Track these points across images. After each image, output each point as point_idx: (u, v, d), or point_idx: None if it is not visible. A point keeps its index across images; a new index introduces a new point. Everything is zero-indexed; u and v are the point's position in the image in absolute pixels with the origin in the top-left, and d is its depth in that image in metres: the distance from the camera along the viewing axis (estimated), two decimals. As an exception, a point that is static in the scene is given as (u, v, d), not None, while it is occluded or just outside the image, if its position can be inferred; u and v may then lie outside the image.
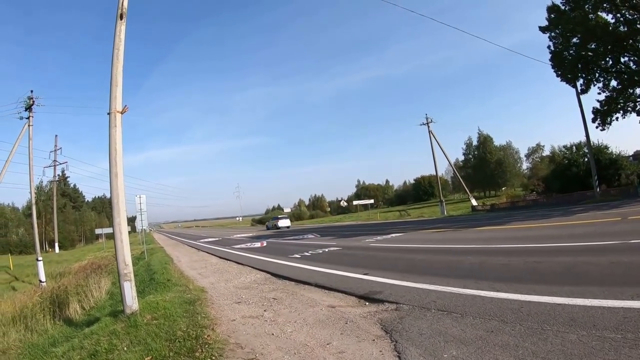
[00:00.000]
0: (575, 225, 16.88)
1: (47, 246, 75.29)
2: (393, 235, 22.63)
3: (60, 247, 70.23)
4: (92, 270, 29.19)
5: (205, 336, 6.30)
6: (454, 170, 64.91)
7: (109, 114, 8.82)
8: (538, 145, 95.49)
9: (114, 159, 8.64)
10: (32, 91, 30.53)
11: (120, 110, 8.93)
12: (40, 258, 27.79)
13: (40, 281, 26.80)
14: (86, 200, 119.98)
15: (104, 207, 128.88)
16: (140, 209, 26.31)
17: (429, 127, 52.27)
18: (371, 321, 6.35)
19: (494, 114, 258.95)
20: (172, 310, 8.32)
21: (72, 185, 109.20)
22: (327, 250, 18.27)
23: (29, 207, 74.66)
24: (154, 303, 9.09)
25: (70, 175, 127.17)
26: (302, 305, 8.04)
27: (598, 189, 34.93)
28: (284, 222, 65.93)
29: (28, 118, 30.02)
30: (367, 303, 7.66)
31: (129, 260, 8.58)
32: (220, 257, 21.25)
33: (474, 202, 51.04)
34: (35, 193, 78.29)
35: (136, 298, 8.50)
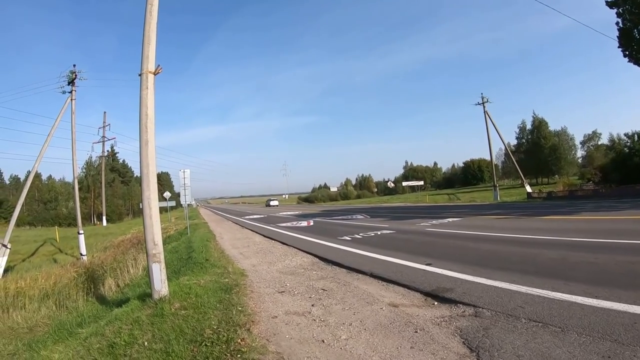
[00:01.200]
0: None
1: (95, 219, 77.76)
2: (449, 219, 21.21)
3: (108, 221, 71.11)
4: (132, 245, 29.20)
5: (239, 340, 5.16)
6: (509, 154, 61.66)
7: (140, 75, 7.92)
8: (594, 132, 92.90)
9: (144, 124, 7.79)
10: (74, 65, 30.56)
11: (153, 70, 8.00)
12: (81, 231, 27.94)
13: (81, 254, 26.95)
14: (135, 175, 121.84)
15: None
16: (184, 184, 25.66)
17: (484, 107, 49.75)
18: (447, 331, 5.14)
19: (548, 98, 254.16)
20: (205, 298, 7.33)
21: (121, 161, 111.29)
22: (379, 233, 17.05)
23: (79, 181, 75.91)
24: (187, 288, 8.14)
25: (120, 151, 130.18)
26: (357, 301, 6.76)
27: (666, 181, 32.40)
28: (274, 202, 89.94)
29: (71, 92, 29.83)
30: (435, 303, 6.41)
31: (158, 239, 7.70)
32: (265, 236, 20.28)
33: (528, 189, 48.61)
34: (85, 168, 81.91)
35: (165, 282, 7.64)
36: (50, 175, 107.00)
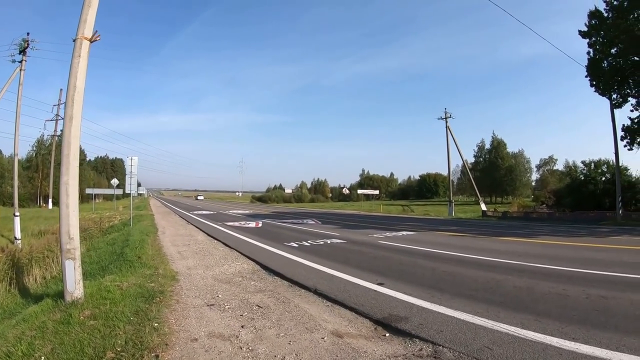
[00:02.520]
0: (619, 250, 14.51)
1: (41, 201, 74.85)
2: (404, 233, 20.48)
3: (54, 204, 67.02)
4: None
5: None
6: (467, 171, 62.13)
7: (74, 40, 7.13)
8: (551, 157, 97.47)
9: (71, 97, 6.96)
10: (28, 34, 28.62)
11: (90, 37, 7.24)
12: (17, 213, 26.20)
13: (16, 238, 25.15)
14: (88, 159, 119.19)
15: (105, 168, 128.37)
16: (131, 172, 24.65)
17: (446, 121, 49.53)
18: (402, 378, 4.13)
19: (508, 120, 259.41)
20: (121, 307, 6.36)
21: None
22: (329, 242, 16.22)
23: (28, 159, 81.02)
24: (105, 291, 7.30)
25: None
26: (295, 326, 5.72)
27: (620, 211, 32.72)
28: (200, 197, 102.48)
29: (21, 62, 27.97)
30: (387, 334, 5.42)
31: (75, 232, 6.86)
32: (209, 235, 19.33)
33: (483, 207, 48.43)
34: (36, 146, 78.12)
35: (80, 283, 6.83)
36: (0, 151, 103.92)
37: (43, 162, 78.05)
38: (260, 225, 25.57)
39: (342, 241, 16.49)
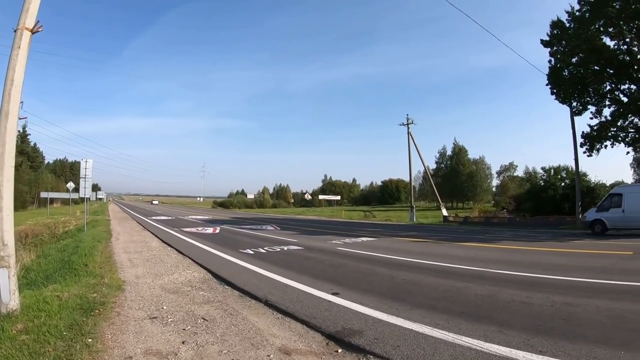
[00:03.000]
0: (582, 255, 14.47)
1: None
2: (364, 239, 20.20)
3: None
4: (19, 239, 26.56)
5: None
6: (428, 177, 62.68)
7: (15, 30, 6.70)
8: (511, 164, 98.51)
9: (8, 91, 6.53)
10: None
11: (32, 27, 6.77)
12: None
13: None
14: (47, 162, 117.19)
15: (64, 171, 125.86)
16: (85, 175, 23.68)
17: (408, 128, 49.94)
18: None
19: (470, 127, 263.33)
20: (56, 320, 5.88)
21: (32, 144, 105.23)
22: (286, 248, 15.83)
23: None
24: (43, 302, 6.78)
25: (32, 133, 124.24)
26: (240, 341, 5.25)
27: (580, 216, 33.22)
28: (155, 202, 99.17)
29: None
30: (339, 350, 4.99)
31: (9, 238, 6.33)
32: (163, 241, 18.68)
33: (444, 212, 48.70)
34: None
35: (16, 293, 6.33)
36: None
37: None
38: (217, 231, 25.10)
39: (299, 248, 16.13)
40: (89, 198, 26.31)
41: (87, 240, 17.55)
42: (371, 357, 4.71)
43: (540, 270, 10.45)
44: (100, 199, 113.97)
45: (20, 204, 73.97)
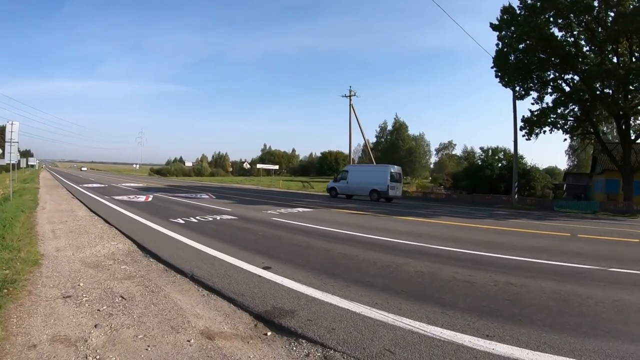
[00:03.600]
0: (521, 234, 14.54)
1: None
2: (300, 209, 19.95)
3: None
4: None
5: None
6: (368, 150, 62.68)
7: None
8: (450, 142, 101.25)
9: None
10: None
11: None
12: None
13: None
14: None
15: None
16: (11, 139, 22.34)
17: (350, 99, 50.39)
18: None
19: (410, 104, 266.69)
20: None
21: None
22: (218, 218, 15.30)
23: None
24: None
25: None
26: (159, 324, 4.74)
27: (516, 196, 34.43)
28: (84, 169, 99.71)
29: None
30: (269, 333, 4.55)
31: None
32: (91, 210, 17.78)
33: (382, 186, 48.98)
34: None
35: None
36: None
37: None
38: (150, 199, 24.22)
39: (233, 217, 15.62)
40: (19, 164, 25.01)
41: (9, 210, 16.62)
42: (303, 342, 4.27)
43: (481, 248, 10.29)
44: (32, 165, 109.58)
45: None
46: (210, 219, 14.90)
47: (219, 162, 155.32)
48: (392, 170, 33.35)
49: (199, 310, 5.24)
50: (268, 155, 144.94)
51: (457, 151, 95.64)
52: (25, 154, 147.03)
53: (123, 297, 5.75)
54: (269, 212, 18.18)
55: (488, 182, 43.78)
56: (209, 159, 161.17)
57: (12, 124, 22.64)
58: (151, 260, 8.30)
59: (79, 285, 6.42)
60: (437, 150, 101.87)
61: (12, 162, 24.13)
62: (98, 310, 5.23)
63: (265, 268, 7.34)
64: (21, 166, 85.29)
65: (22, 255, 8.30)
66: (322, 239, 11.12)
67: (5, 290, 5.90)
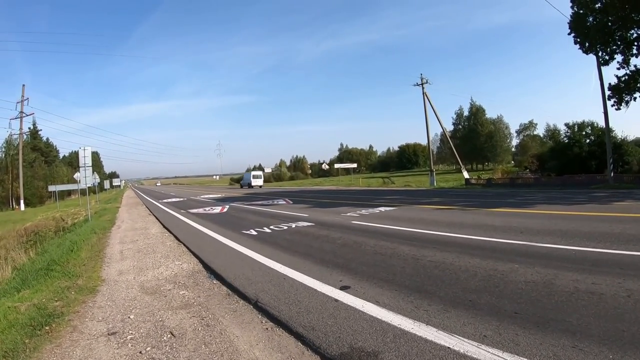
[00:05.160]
0: (637, 220, 11.83)
1: (13, 203, 73.06)
2: (382, 209, 18.24)
3: (27, 204, 67.37)
4: (26, 234, 25.93)
5: None
6: (447, 138, 60.15)
7: None
8: (530, 122, 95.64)
9: None
10: None
11: None
12: None
13: None
14: (62, 155, 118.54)
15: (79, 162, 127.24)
16: (85, 164, 22.64)
17: (423, 88, 47.51)
18: None
19: (487, 88, 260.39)
20: None
21: (44, 139, 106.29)
22: (294, 226, 14.11)
23: None
24: None
25: (46, 129, 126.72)
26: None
27: (612, 174, 31.21)
28: (158, 184, 79.71)
29: None
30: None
31: None
32: (164, 226, 17.31)
33: (466, 175, 46.33)
34: (4, 147, 77.23)
35: None
36: None
37: (12, 162, 75.90)
38: (225, 210, 23.63)
39: (309, 224, 14.40)
40: (103, 186, 25.45)
41: (82, 233, 16.52)
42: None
43: (595, 243, 8.34)
44: (116, 186, 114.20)
45: (37, 199, 75.69)
46: (285, 227, 13.86)
47: (298, 166, 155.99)
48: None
49: (258, 353, 4.15)
50: (346, 154, 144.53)
51: (539, 131, 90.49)
52: (111, 175, 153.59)
53: (172, 334, 4.81)
54: (348, 214, 16.87)
55: (577, 161, 40.85)
56: (288, 163, 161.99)
57: (84, 149, 23.16)
58: (214, 282, 7.40)
59: (129, 317, 5.70)
60: (518, 132, 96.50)
61: (87, 185, 24.48)
62: (140, 352, 4.38)
63: (343, 288, 6.14)
64: (105, 187, 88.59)
65: (79, 283, 7.97)
66: (408, 244, 9.61)
67: (47, 328, 5.37)
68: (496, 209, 16.41)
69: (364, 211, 17.55)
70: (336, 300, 5.58)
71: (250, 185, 74.10)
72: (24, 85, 67.24)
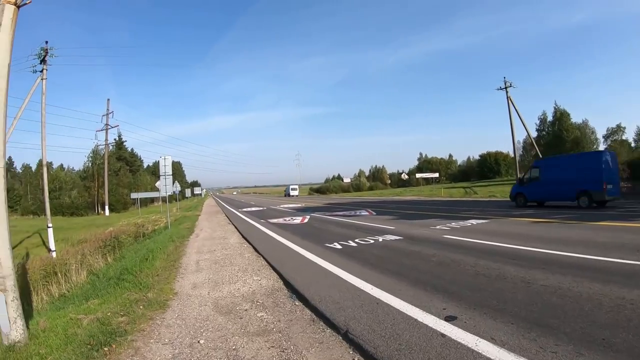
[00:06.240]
0: None
1: (99, 208, 78.43)
2: (473, 222, 16.77)
3: (112, 210, 71.67)
4: (109, 238, 26.36)
5: None
6: (534, 145, 56.66)
7: None
8: (618, 126, 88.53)
9: None
10: (47, 42, 28.51)
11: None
12: (50, 225, 25.52)
13: (49, 250, 24.43)
14: (147, 165, 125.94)
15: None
16: (165, 172, 23.01)
17: (507, 91, 45.70)
18: None
19: (567, 91, 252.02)
20: None
21: (129, 150, 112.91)
22: (381, 239, 13.07)
23: (85, 170, 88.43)
24: (53, 332, 5.75)
25: (130, 140, 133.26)
26: None
27: None
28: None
29: (42, 71, 27.39)
30: None
31: (5, 255, 5.38)
32: (243, 236, 16.85)
33: (554, 184, 43.44)
34: (91, 156, 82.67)
35: (19, 321, 5.39)
36: (62, 165, 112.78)
37: (98, 171, 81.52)
38: (306, 220, 22.87)
39: (397, 238, 13.27)
40: (184, 194, 25.76)
41: (160, 241, 16.40)
42: None
43: None
44: (197, 194, 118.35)
45: (121, 205, 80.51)
46: (372, 241, 12.88)
47: (377, 176, 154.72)
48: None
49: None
50: (425, 164, 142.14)
51: (628, 135, 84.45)
52: (193, 184, 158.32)
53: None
54: (437, 227, 15.54)
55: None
56: (367, 173, 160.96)
57: (164, 158, 23.67)
58: (297, 303, 6.60)
59: (198, 342, 5.13)
60: (605, 137, 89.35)
61: (167, 193, 24.75)
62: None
63: (448, 319, 5.14)
64: (187, 195, 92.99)
65: (149, 296, 7.51)
66: (513, 263, 8.37)
67: (106, 349, 4.95)
68: (600, 222, 14.72)
69: (454, 224, 16.29)
70: (443, 336, 4.60)
71: (289, 195, 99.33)
72: (108, 99, 72.53)
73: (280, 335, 5.09)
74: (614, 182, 22.19)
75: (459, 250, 10.36)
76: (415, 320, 5.20)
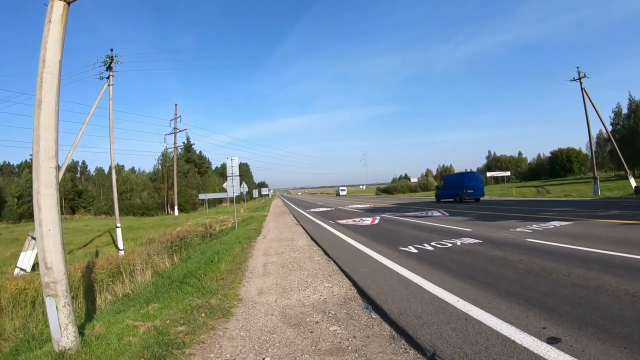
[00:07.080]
0: None
1: (168, 209, 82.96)
2: (556, 224, 15.45)
3: (181, 210, 75.18)
4: (177, 238, 26.68)
5: None
6: (612, 140, 53.03)
7: (46, 4, 5.80)
8: None
9: (40, 75, 5.50)
10: (112, 49, 29.44)
11: None
12: (119, 225, 26.07)
13: (118, 249, 24.88)
14: (215, 166, 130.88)
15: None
16: (232, 173, 23.79)
17: (581, 82, 42.16)
18: None
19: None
20: None
21: (197, 152, 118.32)
22: (459, 243, 12.21)
23: (155, 172, 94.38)
24: (105, 339, 5.65)
25: (199, 143, 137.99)
26: None
27: None
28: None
29: (108, 77, 28.15)
30: None
31: (55, 259, 5.34)
32: (312, 238, 16.31)
33: (633, 183, 39.91)
34: (161, 159, 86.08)
35: (70, 327, 5.32)
36: (133, 167, 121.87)
37: (168, 173, 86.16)
38: (376, 221, 22.03)
39: (476, 241, 12.32)
40: (251, 194, 25.90)
41: (226, 242, 16.22)
42: None
43: None
44: (265, 195, 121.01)
45: (190, 206, 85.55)
46: (449, 244, 12.02)
47: (445, 175, 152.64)
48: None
49: None
50: (494, 162, 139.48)
51: None
52: (260, 185, 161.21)
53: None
54: (518, 229, 14.38)
55: None
56: (434, 172, 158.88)
57: (231, 159, 24.41)
58: (373, 316, 5.91)
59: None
60: None
61: (234, 194, 24.92)
62: None
63: (551, 341, 4.35)
64: (254, 196, 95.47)
65: (212, 302, 7.20)
66: (612, 273, 7.34)
67: (178, 352, 4.80)
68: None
69: (535, 226, 15.05)
70: (549, 361, 3.82)
71: (339, 195, 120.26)
72: (176, 104, 76.18)
73: (356, 355, 4.47)
74: (475, 188, 38.35)
75: (547, 257, 9.33)
76: (513, 342, 4.43)
